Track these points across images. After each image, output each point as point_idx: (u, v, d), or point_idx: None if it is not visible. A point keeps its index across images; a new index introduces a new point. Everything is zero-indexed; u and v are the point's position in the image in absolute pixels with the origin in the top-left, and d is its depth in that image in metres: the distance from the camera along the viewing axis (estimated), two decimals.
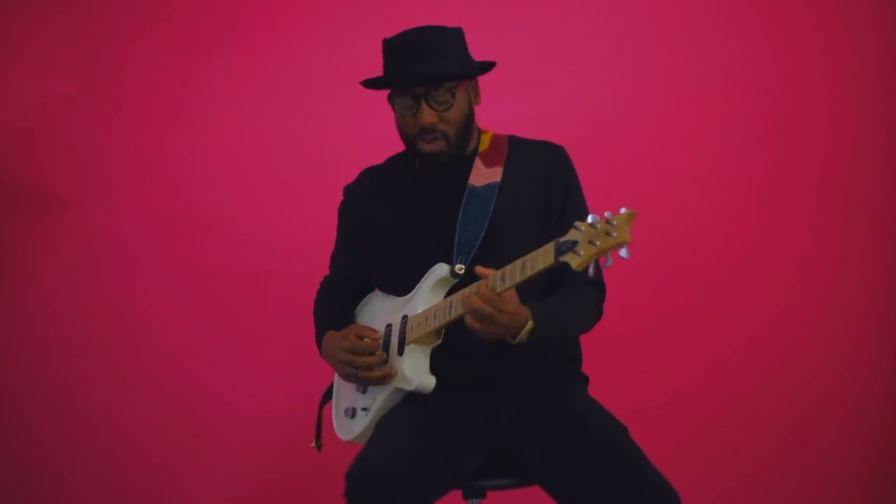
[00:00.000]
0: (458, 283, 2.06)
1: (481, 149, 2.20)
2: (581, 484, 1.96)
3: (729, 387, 3.15)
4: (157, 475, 3.10)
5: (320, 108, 3.15)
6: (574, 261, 1.73)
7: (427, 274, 2.11)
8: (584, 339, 2.23)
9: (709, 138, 3.19)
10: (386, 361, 2.13)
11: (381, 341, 2.13)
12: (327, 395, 2.38)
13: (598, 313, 2.14)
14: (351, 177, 2.35)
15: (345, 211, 2.35)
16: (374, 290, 2.33)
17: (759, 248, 3.19)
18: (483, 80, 2.20)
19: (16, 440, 3.09)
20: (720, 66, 3.19)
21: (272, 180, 3.15)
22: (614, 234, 1.67)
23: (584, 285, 2.07)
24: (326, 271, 2.42)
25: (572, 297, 2.05)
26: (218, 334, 3.12)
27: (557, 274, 1.86)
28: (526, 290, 1.92)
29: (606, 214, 1.70)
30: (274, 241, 3.13)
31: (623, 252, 1.68)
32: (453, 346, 2.08)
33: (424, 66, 2.07)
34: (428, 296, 2.09)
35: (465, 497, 2.14)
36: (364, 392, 2.20)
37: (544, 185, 2.15)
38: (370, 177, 2.32)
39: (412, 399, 2.10)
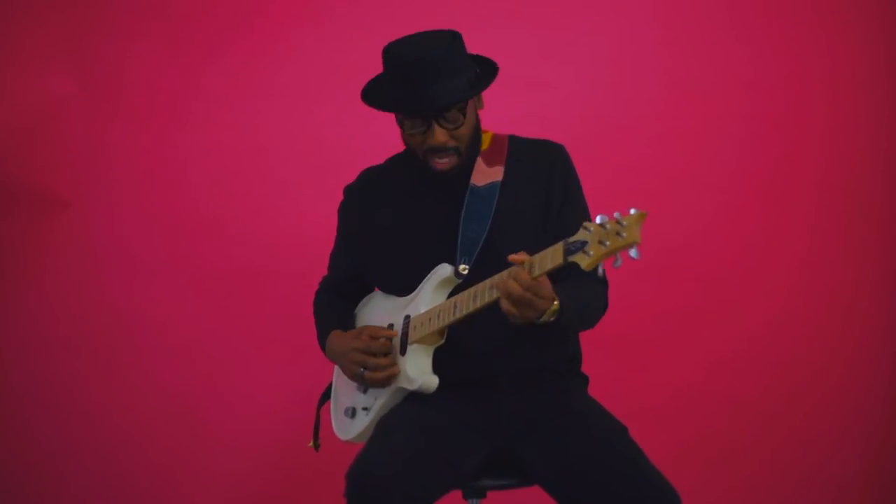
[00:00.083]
0: (461, 284, 2.06)
1: (482, 148, 2.20)
2: (581, 484, 1.96)
3: (729, 387, 3.15)
4: (157, 475, 3.10)
5: (320, 108, 3.15)
6: (584, 261, 1.73)
7: (430, 274, 2.11)
8: (584, 339, 2.23)
9: (709, 138, 3.19)
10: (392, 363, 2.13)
11: (396, 338, 2.12)
12: (325, 396, 2.38)
13: (604, 306, 2.15)
14: (351, 177, 2.34)
15: (345, 211, 2.34)
16: (373, 290, 2.33)
17: (759, 248, 3.19)
18: None
19: (16, 440, 3.09)
20: (720, 66, 3.19)
21: (272, 180, 3.15)
22: (624, 234, 1.67)
23: (590, 278, 2.07)
24: (326, 271, 2.42)
25: (587, 285, 2.04)
26: (218, 334, 3.12)
27: (564, 268, 1.85)
28: None
29: (616, 215, 1.70)
30: (274, 241, 3.12)
31: (633, 252, 1.68)
32: (453, 345, 2.08)
33: (438, 90, 2.02)
34: (431, 296, 2.09)
35: (465, 497, 2.14)
36: (364, 392, 2.20)
37: (544, 184, 2.15)
38: (370, 177, 2.32)
39: (412, 399, 2.10)
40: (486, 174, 2.16)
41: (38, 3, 3.11)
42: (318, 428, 2.36)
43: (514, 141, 2.22)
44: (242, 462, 3.11)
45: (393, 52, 2.07)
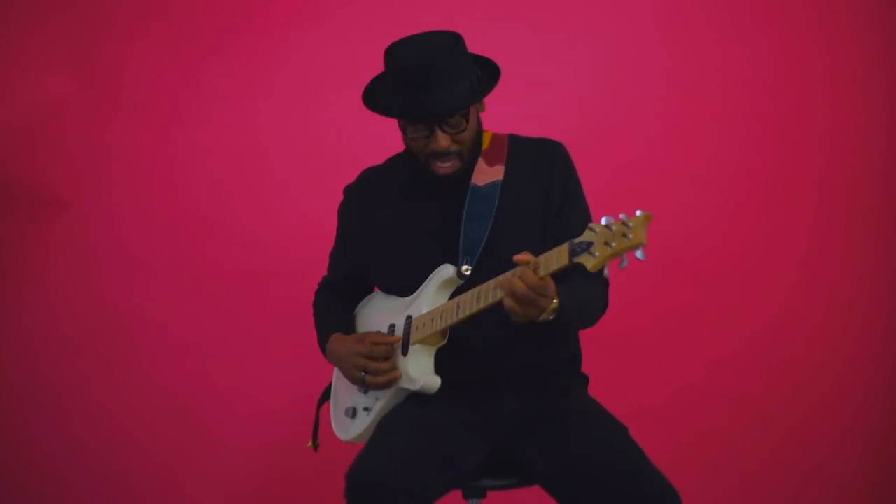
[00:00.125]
0: (463, 285, 2.06)
1: (483, 148, 2.20)
2: (581, 484, 1.96)
3: (729, 387, 3.15)
4: (157, 475, 3.10)
5: (320, 108, 3.15)
6: (589, 262, 1.73)
7: (432, 275, 2.11)
8: (585, 339, 2.23)
9: (709, 138, 3.19)
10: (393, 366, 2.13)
11: (399, 343, 2.12)
12: (325, 396, 2.38)
13: (604, 305, 2.15)
14: (351, 177, 2.34)
15: (345, 210, 2.34)
16: (373, 290, 2.33)
17: (759, 248, 3.19)
18: None
19: (16, 440, 3.09)
20: (720, 66, 3.19)
21: (272, 180, 3.15)
22: (630, 235, 1.67)
23: (591, 278, 2.06)
24: (326, 271, 2.42)
25: (587, 285, 2.03)
26: (218, 334, 3.12)
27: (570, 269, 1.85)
28: None
29: (622, 216, 1.70)
30: (274, 241, 3.12)
31: (639, 254, 1.68)
32: (454, 345, 2.08)
33: (442, 95, 2.02)
34: (433, 297, 2.09)
35: (465, 497, 2.14)
36: (365, 392, 2.20)
37: (545, 183, 2.15)
38: (370, 177, 2.32)
39: (412, 399, 2.10)
40: (486, 174, 2.15)
41: (38, 3, 3.11)
42: (318, 428, 2.36)
43: (513, 140, 2.22)
44: (242, 462, 3.11)
45: (396, 55, 2.06)
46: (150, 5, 3.16)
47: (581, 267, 1.75)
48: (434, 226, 2.15)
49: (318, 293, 2.41)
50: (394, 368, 2.11)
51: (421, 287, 2.12)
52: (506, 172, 2.16)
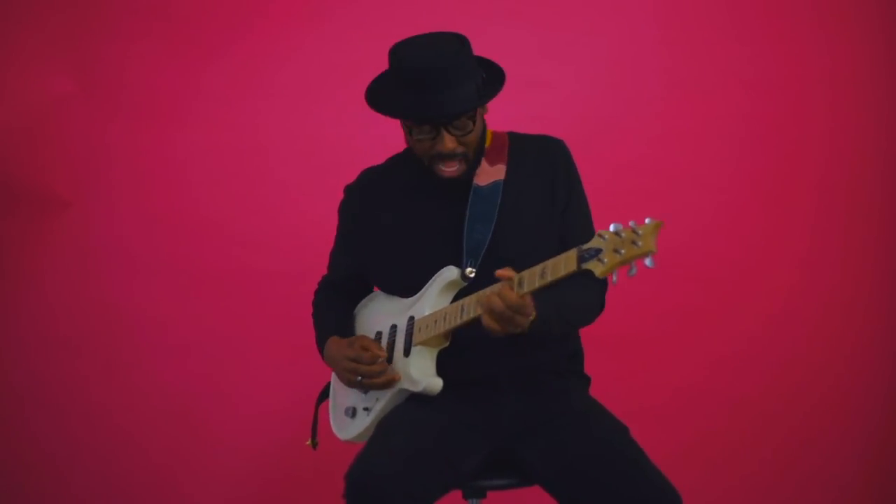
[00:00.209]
0: (467, 286, 2.05)
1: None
2: (581, 484, 1.96)
3: (729, 387, 3.15)
4: (157, 475, 3.10)
5: (320, 108, 3.15)
6: (598, 268, 1.73)
7: (435, 276, 2.10)
8: (585, 339, 2.23)
9: (709, 138, 3.19)
10: (390, 364, 2.12)
11: (384, 357, 2.12)
12: (324, 394, 2.38)
13: (600, 306, 2.14)
14: (351, 177, 2.34)
15: (345, 210, 2.33)
16: (373, 289, 2.33)
17: (759, 248, 3.19)
18: None
19: (16, 440, 3.09)
20: (720, 66, 3.19)
21: (272, 180, 3.15)
22: (640, 243, 1.67)
23: (585, 277, 2.06)
24: (326, 271, 2.42)
25: (575, 288, 2.02)
26: (218, 334, 3.12)
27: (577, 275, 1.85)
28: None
29: (631, 223, 1.69)
30: (274, 241, 3.12)
31: (648, 261, 1.67)
32: (454, 346, 2.08)
33: (449, 97, 2.01)
34: (436, 298, 2.08)
35: (465, 497, 2.14)
36: (365, 392, 2.20)
37: (547, 180, 2.14)
38: (371, 177, 2.31)
39: (412, 399, 2.10)
40: (488, 173, 2.15)
41: (38, 3, 3.11)
42: (316, 427, 2.36)
43: (514, 138, 2.22)
44: (242, 462, 3.11)
45: (401, 56, 2.05)
46: (150, 5, 3.16)
47: (589, 273, 1.75)
48: (437, 227, 2.14)
49: (317, 293, 2.41)
50: (385, 370, 2.10)
51: (424, 288, 2.12)
52: (507, 171, 2.15)
